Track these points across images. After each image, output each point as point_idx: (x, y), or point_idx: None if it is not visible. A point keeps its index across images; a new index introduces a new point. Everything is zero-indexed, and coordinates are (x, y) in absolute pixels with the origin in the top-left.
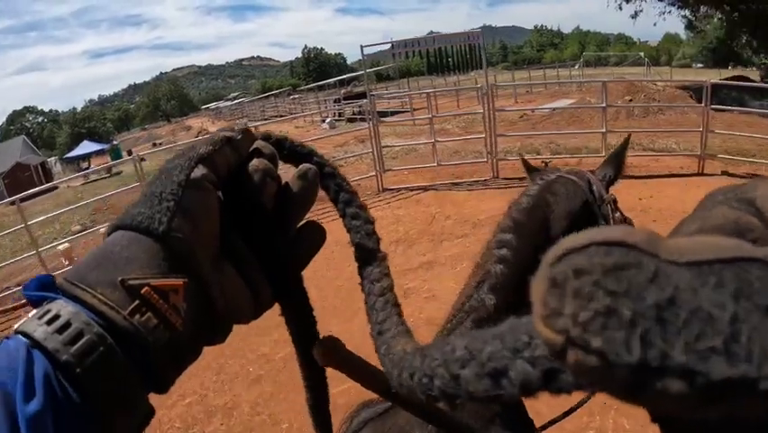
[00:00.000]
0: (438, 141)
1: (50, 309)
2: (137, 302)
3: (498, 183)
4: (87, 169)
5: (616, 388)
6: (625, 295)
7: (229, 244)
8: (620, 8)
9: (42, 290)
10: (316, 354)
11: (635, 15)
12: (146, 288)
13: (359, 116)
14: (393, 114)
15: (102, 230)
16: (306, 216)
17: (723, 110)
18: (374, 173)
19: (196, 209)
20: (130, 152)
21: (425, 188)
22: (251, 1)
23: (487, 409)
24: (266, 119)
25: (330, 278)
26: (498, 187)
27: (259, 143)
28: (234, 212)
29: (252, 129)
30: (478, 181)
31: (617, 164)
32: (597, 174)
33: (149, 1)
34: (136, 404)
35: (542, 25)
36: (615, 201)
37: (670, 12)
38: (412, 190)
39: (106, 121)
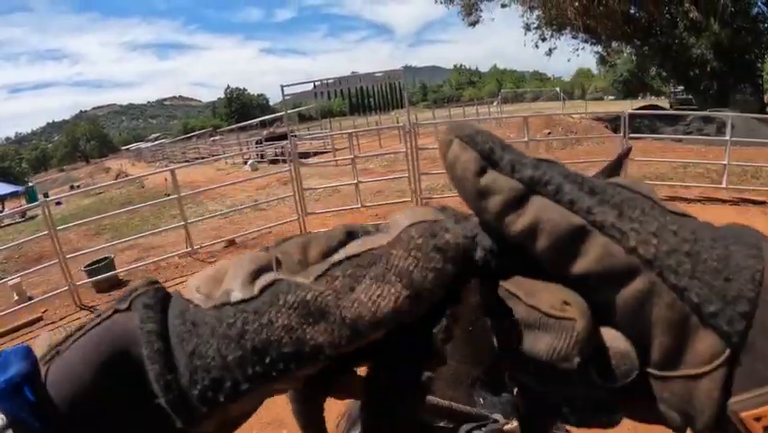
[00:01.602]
0: (361, 181)
1: None
2: None
3: None
4: (1, 212)
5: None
6: None
7: None
8: (536, 46)
9: None
10: None
11: (549, 53)
12: None
13: (281, 158)
14: (315, 154)
15: (11, 282)
16: None
17: (639, 138)
18: (296, 217)
19: None
20: (46, 195)
21: None
22: (174, 39)
23: (466, 374)
24: (187, 161)
25: None
26: None
27: None
28: None
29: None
30: None
31: (609, 173)
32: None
33: (71, 34)
34: None
35: (461, 65)
36: None
37: (583, 48)
38: None
39: (22, 161)
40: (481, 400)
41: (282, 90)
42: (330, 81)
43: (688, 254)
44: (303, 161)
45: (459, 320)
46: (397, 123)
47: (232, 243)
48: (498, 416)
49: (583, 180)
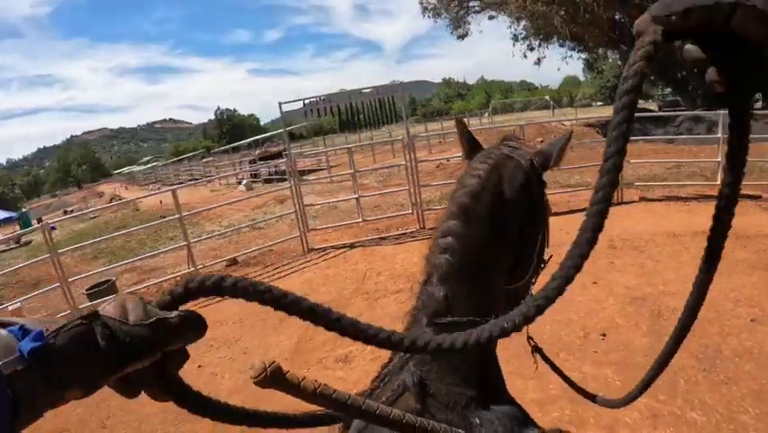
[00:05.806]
0: (362, 196)
1: None
2: None
3: (425, 234)
4: None
5: None
6: None
7: None
8: (525, 56)
9: None
10: (256, 379)
11: (538, 62)
12: None
13: (276, 177)
14: (309, 172)
15: (10, 307)
16: None
17: (632, 141)
18: (298, 234)
19: None
20: (40, 220)
21: (351, 245)
22: (164, 62)
23: (460, 396)
24: (180, 183)
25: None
26: (426, 237)
27: None
28: None
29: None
30: (405, 234)
31: (550, 153)
32: (535, 158)
33: (60, 61)
34: None
35: (449, 78)
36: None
37: (571, 56)
38: (338, 248)
39: (15, 186)
40: (477, 419)
41: (281, 107)
42: (322, 98)
43: None
44: (302, 178)
45: None
46: (390, 137)
47: (234, 261)
48: None
49: None
